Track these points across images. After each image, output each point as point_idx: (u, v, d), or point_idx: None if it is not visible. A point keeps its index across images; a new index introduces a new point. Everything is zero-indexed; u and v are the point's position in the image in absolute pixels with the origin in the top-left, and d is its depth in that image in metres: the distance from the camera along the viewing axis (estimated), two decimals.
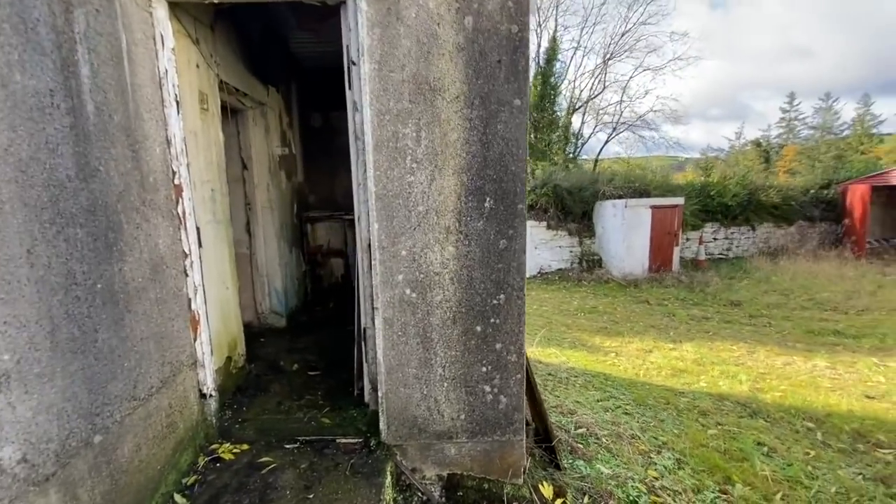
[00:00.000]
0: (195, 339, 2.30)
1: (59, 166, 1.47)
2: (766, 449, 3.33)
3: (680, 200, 11.23)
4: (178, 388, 2.14)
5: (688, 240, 12.26)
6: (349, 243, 5.09)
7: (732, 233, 13.13)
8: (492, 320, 2.27)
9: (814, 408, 4.12)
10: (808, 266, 10.67)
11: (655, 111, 20.30)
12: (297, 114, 4.81)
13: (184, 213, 2.20)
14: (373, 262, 2.20)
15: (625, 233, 10.70)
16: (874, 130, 30.77)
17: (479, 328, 2.27)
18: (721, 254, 12.97)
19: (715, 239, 12.94)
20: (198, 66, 2.48)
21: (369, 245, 2.28)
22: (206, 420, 2.37)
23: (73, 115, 1.54)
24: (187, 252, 2.23)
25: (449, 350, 2.29)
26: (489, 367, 2.31)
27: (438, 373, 2.30)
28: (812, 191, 14.10)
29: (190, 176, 2.26)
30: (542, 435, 2.81)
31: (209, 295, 2.46)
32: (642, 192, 12.06)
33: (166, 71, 2.09)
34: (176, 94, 2.15)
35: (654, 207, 10.81)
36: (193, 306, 2.28)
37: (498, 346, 2.29)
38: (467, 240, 2.20)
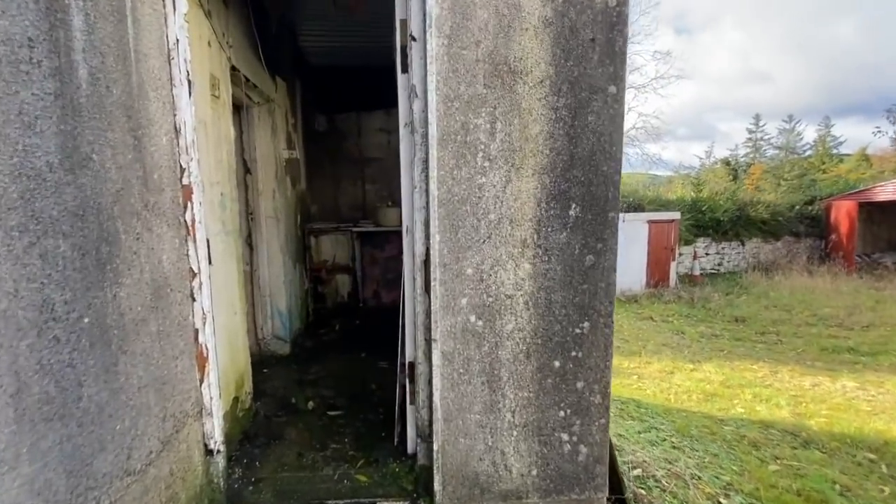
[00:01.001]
0: (202, 381, 1.82)
1: (36, 149, 1.02)
2: (837, 487, 3.00)
3: (676, 215, 11.17)
4: (180, 448, 1.65)
5: (681, 255, 12.20)
6: (357, 258, 4.63)
7: (723, 248, 13.18)
8: (573, 353, 1.87)
9: (865, 435, 3.84)
10: (803, 281, 10.69)
11: (637, 128, 20.59)
12: (301, 115, 4.37)
13: (193, 221, 1.74)
14: (432, 283, 1.78)
15: (623, 247, 10.50)
16: (834, 151, 32.31)
17: (557, 363, 1.87)
18: (713, 269, 12.97)
19: (707, 254, 12.95)
20: (209, 44, 2.04)
21: (425, 262, 1.86)
22: (213, 483, 1.87)
23: (59, 79, 1.09)
24: (196, 270, 1.77)
25: (520, 391, 1.87)
26: (568, 411, 1.90)
27: (507, 419, 1.88)
28: (797, 206, 14.34)
29: (200, 176, 1.81)
30: (611, 485, 2.39)
31: (217, 323, 1.98)
32: (636, 207, 11.98)
33: (177, 41, 1.65)
34: (188, 72, 1.71)
35: (651, 222, 10.70)
36: (201, 339, 1.80)
37: (579, 384, 1.89)
38: (547, 255, 1.80)
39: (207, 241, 1.86)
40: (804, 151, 33.66)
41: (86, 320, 1.18)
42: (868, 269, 12.13)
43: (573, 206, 1.79)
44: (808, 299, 9.41)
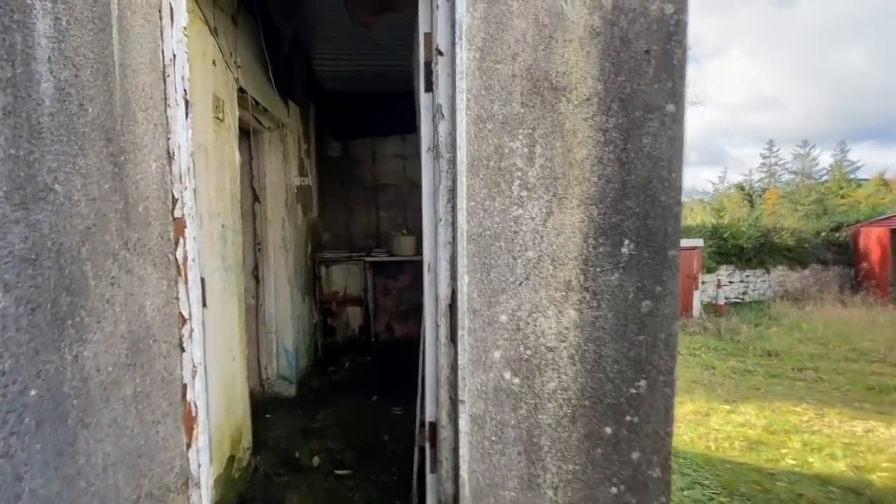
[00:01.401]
0: (189, 446, 1.55)
1: None
2: None
3: (699, 242, 10.79)
4: None
5: (703, 283, 11.73)
6: (369, 289, 4.39)
7: (748, 275, 12.68)
8: (627, 418, 1.57)
9: None
10: (837, 312, 10.14)
11: None
12: (314, 141, 4.22)
13: (185, 258, 1.51)
14: (459, 332, 1.51)
15: None
16: (851, 175, 31.73)
17: (608, 430, 1.57)
18: (737, 298, 12.44)
19: (731, 282, 12.45)
20: (214, 63, 1.86)
21: (450, 306, 1.59)
22: None
23: (11, 93, 0.88)
24: (186, 316, 1.52)
25: (564, 463, 1.56)
26: (621, 488, 1.58)
27: (548, 497, 1.57)
28: (823, 233, 13.85)
29: (196, 206, 1.59)
30: None
31: (212, 374, 1.73)
32: None
33: (174, 56, 1.46)
34: (185, 91, 1.51)
35: None
36: (190, 395, 1.54)
37: (635, 455, 1.58)
38: (596, 300, 1.53)
39: (202, 280, 1.63)
40: (820, 177, 33.19)
41: (32, 393, 0.93)
42: None
43: (626, 242, 1.52)
44: (844, 332, 8.86)
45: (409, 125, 4.60)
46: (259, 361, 3.22)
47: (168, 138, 1.48)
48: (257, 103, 2.52)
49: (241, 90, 2.22)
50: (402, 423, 2.82)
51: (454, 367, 1.61)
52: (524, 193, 1.49)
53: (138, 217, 1.30)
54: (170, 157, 1.48)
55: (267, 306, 3.18)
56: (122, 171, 1.25)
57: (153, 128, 1.40)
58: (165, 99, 1.46)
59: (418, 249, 4.36)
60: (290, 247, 3.27)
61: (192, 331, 1.54)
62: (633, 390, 1.57)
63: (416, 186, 5.00)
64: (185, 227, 1.51)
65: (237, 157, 2.10)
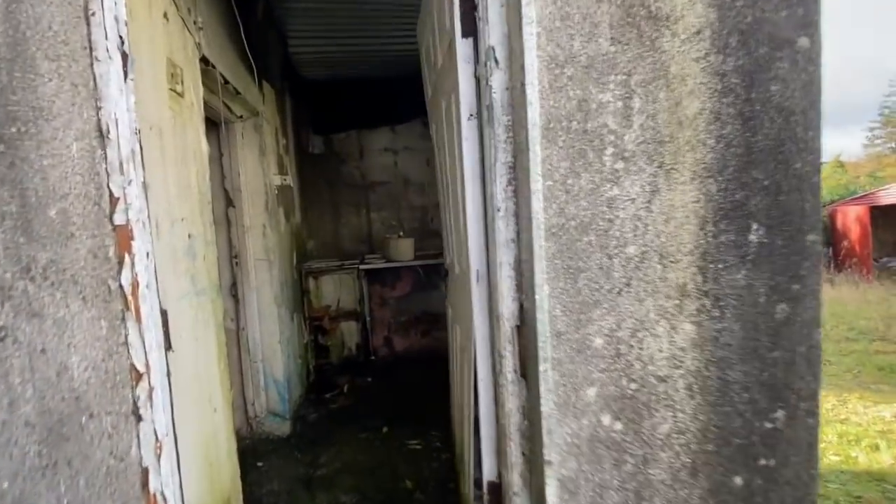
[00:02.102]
0: None
1: None
2: None
3: None
4: None
5: None
6: (365, 301, 3.90)
7: None
8: (762, 462, 1.17)
9: None
10: (826, 292, 10.13)
11: None
12: (292, 136, 3.72)
13: (134, 284, 1.03)
14: (541, 367, 1.08)
15: None
16: None
17: (738, 480, 1.16)
18: None
19: None
20: (166, 16, 1.37)
21: (518, 328, 1.16)
22: None
23: None
24: (142, 369, 1.04)
25: None
26: None
27: None
28: None
29: (149, 209, 1.10)
30: None
31: (187, 438, 1.24)
32: None
33: None
34: (122, 40, 1.03)
35: None
36: (154, 484, 1.06)
37: None
38: (718, 308, 1.12)
39: (163, 313, 1.14)
40: None
41: None
42: (886, 275, 11.71)
43: (754, 226, 1.12)
44: (837, 311, 8.86)
45: (399, 114, 4.15)
46: (244, 397, 2.70)
47: (98, 108, 0.99)
48: (226, 81, 2.02)
49: (204, 60, 1.73)
50: (423, 460, 2.37)
51: (526, 413, 1.18)
52: (619, 165, 1.07)
53: (49, 226, 0.82)
54: (102, 135, 0.99)
55: (250, 330, 2.68)
56: (15, 151, 0.76)
57: (71, 90, 0.92)
58: (90, 48, 0.97)
59: (417, 253, 3.91)
60: (273, 258, 2.77)
61: (151, 389, 1.06)
62: (767, 424, 1.16)
63: (411, 183, 4.55)
64: (131, 238, 1.03)
65: (205, 146, 1.61)
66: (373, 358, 3.96)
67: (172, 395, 1.15)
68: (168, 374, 1.13)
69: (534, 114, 1.03)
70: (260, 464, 2.43)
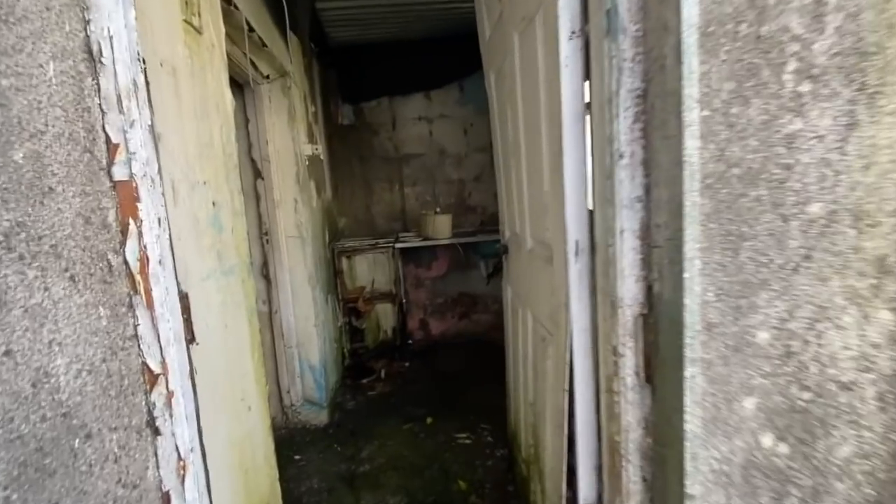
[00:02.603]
0: None
1: None
2: None
3: None
4: None
5: None
6: (400, 281, 3.67)
7: None
8: None
9: None
10: None
11: None
12: (321, 104, 3.45)
13: (143, 260, 0.78)
14: (686, 371, 0.79)
15: None
16: None
17: None
18: None
19: None
20: None
21: (644, 316, 0.87)
22: None
23: None
24: (156, 369, 0.81)
25: None
26: None
27: None
28: None
29: (160, 163, 0.85)
30: None
31: (215, 448, 1.02)
32: None
33: None
34: None
35: None
36: None
37: None
38: None
39: (183, 297, 0.90)
40: None
41: None
42: None
43: None
44: None
45: (435, 78, 3.82)
46: (279, 384, 2.52)
47: (86, 20, 0.73)
48: (251, 29, 1.75)
49: (230, 3, 1.45)
50: (475, 457, 2.14)
51: (650, 428, 0.90)
52: (805, 88, 0.75)
53: (13, 175, 0.57)
54: (92, 57, 0.74)
55: (284, 314, 2.47)
56: None
57: None
58: None
59: (454, 231, 3.63)
60: (306, 235, 2.54)
61: (170, 394, 0.83)
62: None
63: (447, 155, 4.23)
64: (137, 199, 0.78)
65: (229, 97, 1.35)
66: (410, 342, 3.75)
67: (198, 398, 0.92)
68: (192, 374, 0.90)
69: (690, 10, 0.71)
70: (297, 457, 2.26)
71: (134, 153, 0.78)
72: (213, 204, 1.21)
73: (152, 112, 0.84)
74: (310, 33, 2.96)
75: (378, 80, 3.74)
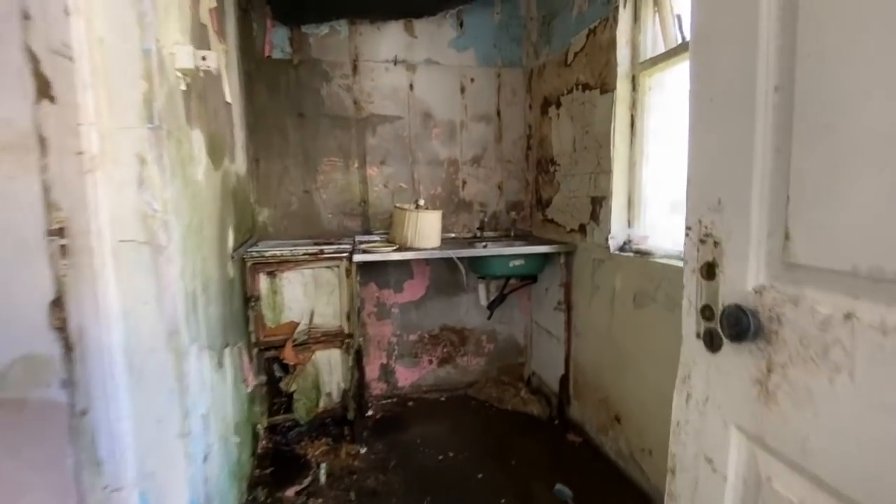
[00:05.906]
0: None
1: None
2: None
3: None
4: None
5: None
6: (354, 312, 2.33)
7: None
8: None
9: None
10: None
11: None
12: (235, 15, 2.03)
13: None
14: None
15: None
16: None
17: None
18: None
19: None
20: None
21: None
22: None
23: None
24: None
25: None
26: None
27: None
28: None
29: None
30: None
31: None
32: None
33: None
34: None
35: None
36: None
37: None
38: None
39: None
40: None
41: None
42: None
43: None
44: None
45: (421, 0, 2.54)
46: None
47: None
48: None
49: None
50: None
51: None
52: None
53: None
54: None
55: (98, 417, 1.07)
56: None
57: None
58: None
59: (443, 234, 2.36)
60: (170, 237, 1.16)
61: None
62: None
63: (435, 120, 2.89)
64: None
65: None
66: (368, 412, 2.42)
67: None
68: None
69: None
70: None
71: None
72: None
73: None
74: None
75: None
